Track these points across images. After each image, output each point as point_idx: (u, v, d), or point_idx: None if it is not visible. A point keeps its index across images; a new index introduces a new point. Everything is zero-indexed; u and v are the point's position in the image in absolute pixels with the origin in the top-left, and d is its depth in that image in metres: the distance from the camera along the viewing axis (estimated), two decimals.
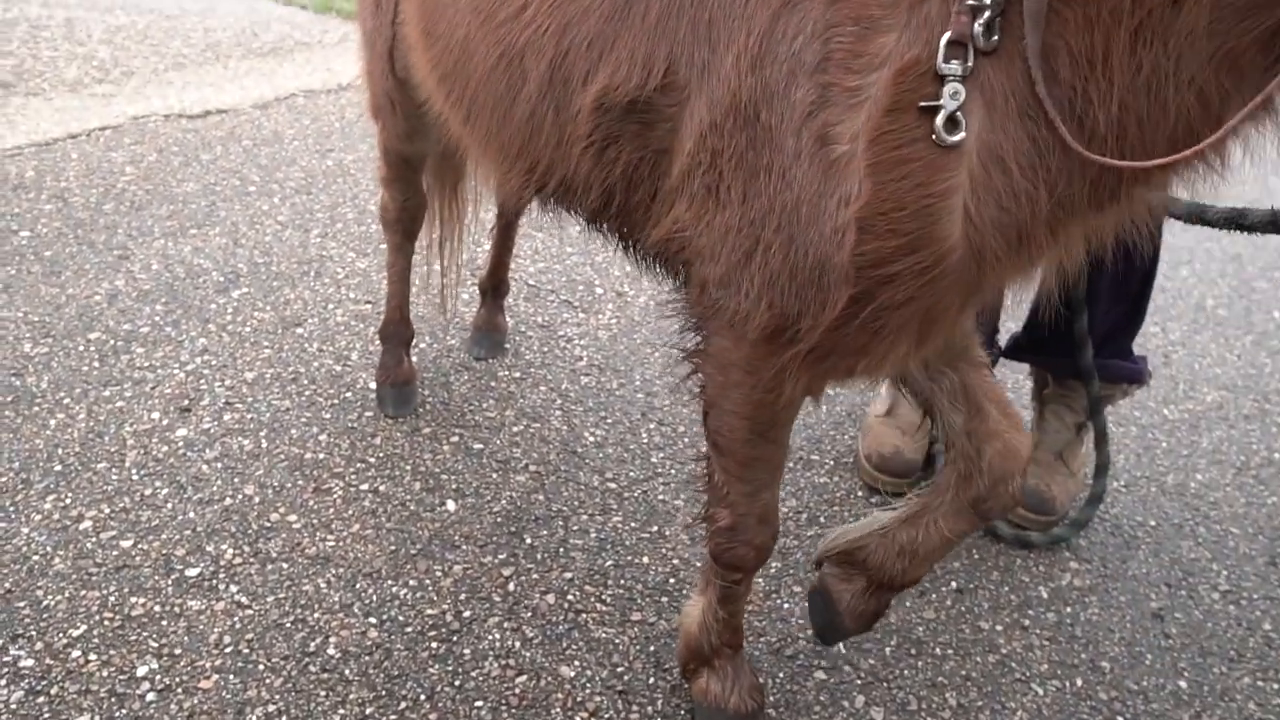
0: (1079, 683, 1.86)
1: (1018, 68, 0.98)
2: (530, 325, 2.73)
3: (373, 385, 2.36)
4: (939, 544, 1.50)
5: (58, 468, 2.00)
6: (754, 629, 1.85)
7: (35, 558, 1.79)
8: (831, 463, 2.34)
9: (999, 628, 1.96)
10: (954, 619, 1.96)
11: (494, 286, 2.56)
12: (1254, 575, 2.22)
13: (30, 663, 1.60)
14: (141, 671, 1.60)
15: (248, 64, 4.86)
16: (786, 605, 1.92)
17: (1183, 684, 1.87)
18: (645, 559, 1.97)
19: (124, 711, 1.54)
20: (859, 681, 1.79)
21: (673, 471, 2.23)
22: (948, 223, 1.03)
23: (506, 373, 2.51)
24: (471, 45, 1.46)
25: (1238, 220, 1.35)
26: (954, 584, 2.05)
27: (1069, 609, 2.02)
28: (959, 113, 0.99)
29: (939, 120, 1.00)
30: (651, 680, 1.72)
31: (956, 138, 1.00)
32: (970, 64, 0.98)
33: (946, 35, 0.98)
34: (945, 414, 1.47)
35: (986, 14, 0.97)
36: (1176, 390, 2.97)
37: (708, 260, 1.22)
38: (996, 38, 0.98)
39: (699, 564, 1.96)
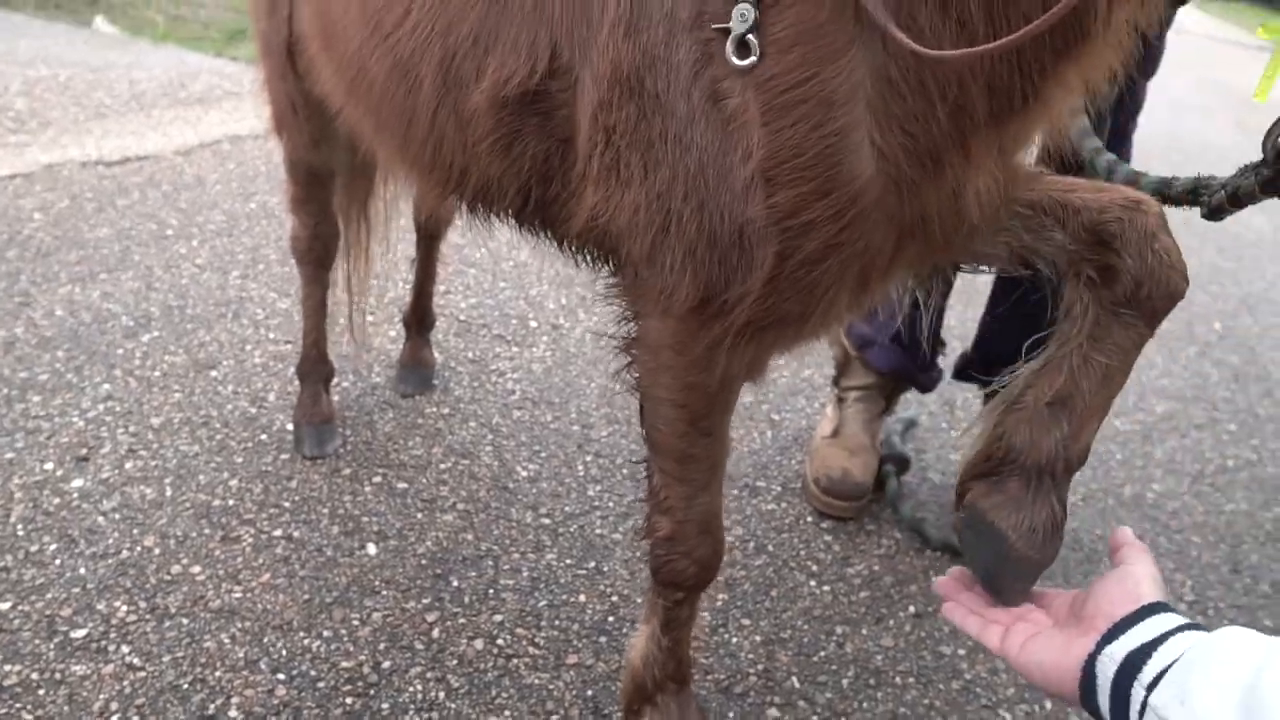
0: (1049, 705, 1.74)
1: None
2: (460, 361, 2.59)
3: (290, 427, 2.20)
4: (1101, 380, 1.13)
5: None
6: (700, 666, 1.71)
7: None
8: (779, 489, 2.22)
9: (961, 652, 1.84)
10: (914, 645, 1.84)
11: (418, 320, 2.42)
12: (1219, 584, 2.14)
13: None
14: None
15: (173, 113, 4.71)
16: (735, 640, 1.79)
17: None
18: (582, 597, 1.83)
19: None
20: (815, 717, 1.65)
21: (610, 505, 2.09)
22: (855, 160, 0.96)
23: (434, 409, 2.36)
24: (365, 57, 1.39)
25: (1162, 190, 1.25)
26: (912, 608, 1.93)
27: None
28: (750, 36, 0.95)
29: (729, 44, 0.96)
30: None
31: (746, 62, 0.95)
32: None
33: None
34: (1042, 248, 1.18)
35: None
36: (1127, 402, 2.91)
37: (628, 241, 1.13)
38: None
39: (640, 600, 1.82)
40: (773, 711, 1.65)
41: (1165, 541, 2.25)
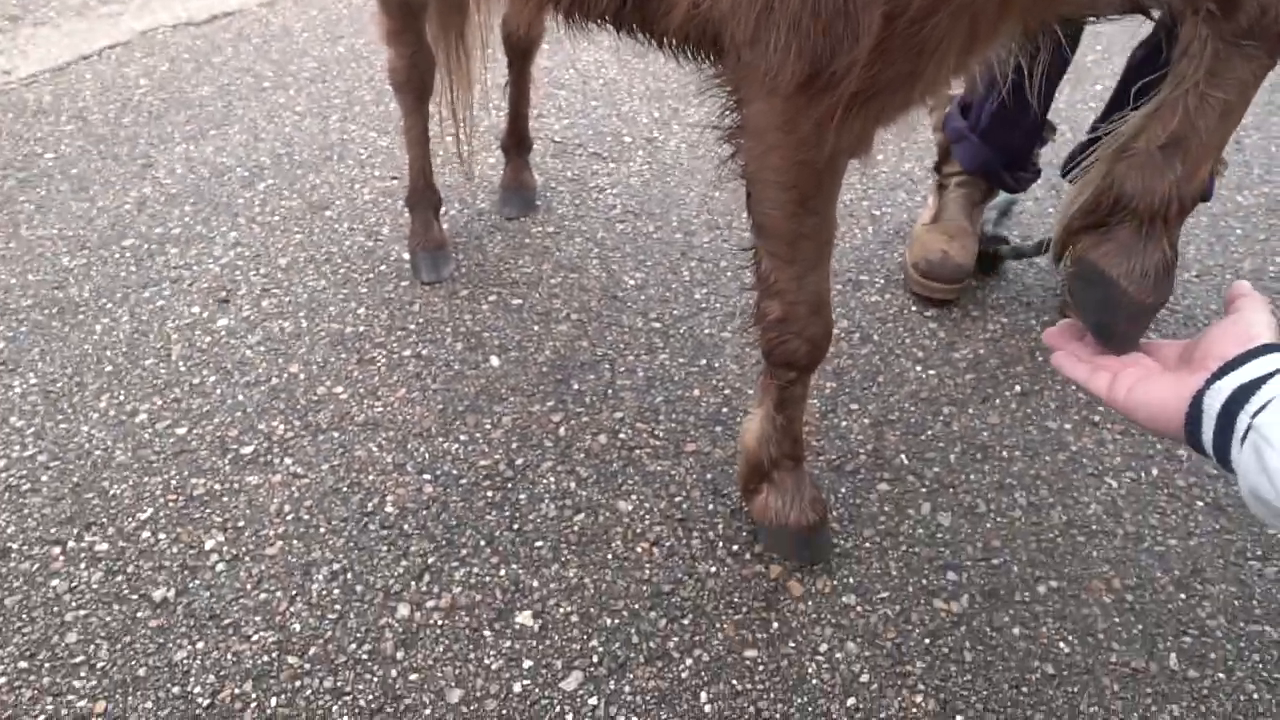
0: (1154, 472, 1.79)
1: None
2: (560, 180, 2.66)
3: (406, 256, 2.33)
4: (1219, 117, 1.12)
5: (108, 368, 2.03)
6: (813, 449, 1.81)
7: (97, 452, 1.83)
8: (882, 281, 2.26)
9: (1067, 426, 1.89)
10: (1019, 421, 1.90)
11: (516, 143, 2.48)
12: None
13: (105, 546, 1.64)
14: (209, 545, 1.64)
15: None
16: (844, 423, 1.88)
17: None
18: (696, 392, 1.94)
19: (197, 582, 1.58)
20: (924, 490, 1.75)
21: (717, 305, 2.17)
22: None
23: (540, 229, 2.45)
24: None
25: None
26: (1018, 388, 1.98)
27: None
28: None
29: None
30: (710, 507, 1.71)
31: None
32: None
33: None
34: None
35: None
36: (1251, 175, 2.79)
37: (730, 25, 1.14)
38: None
39: (751, 393, 1.92)
40: (883, 486, 1.75)
41: None
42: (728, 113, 1.30)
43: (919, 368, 2.02)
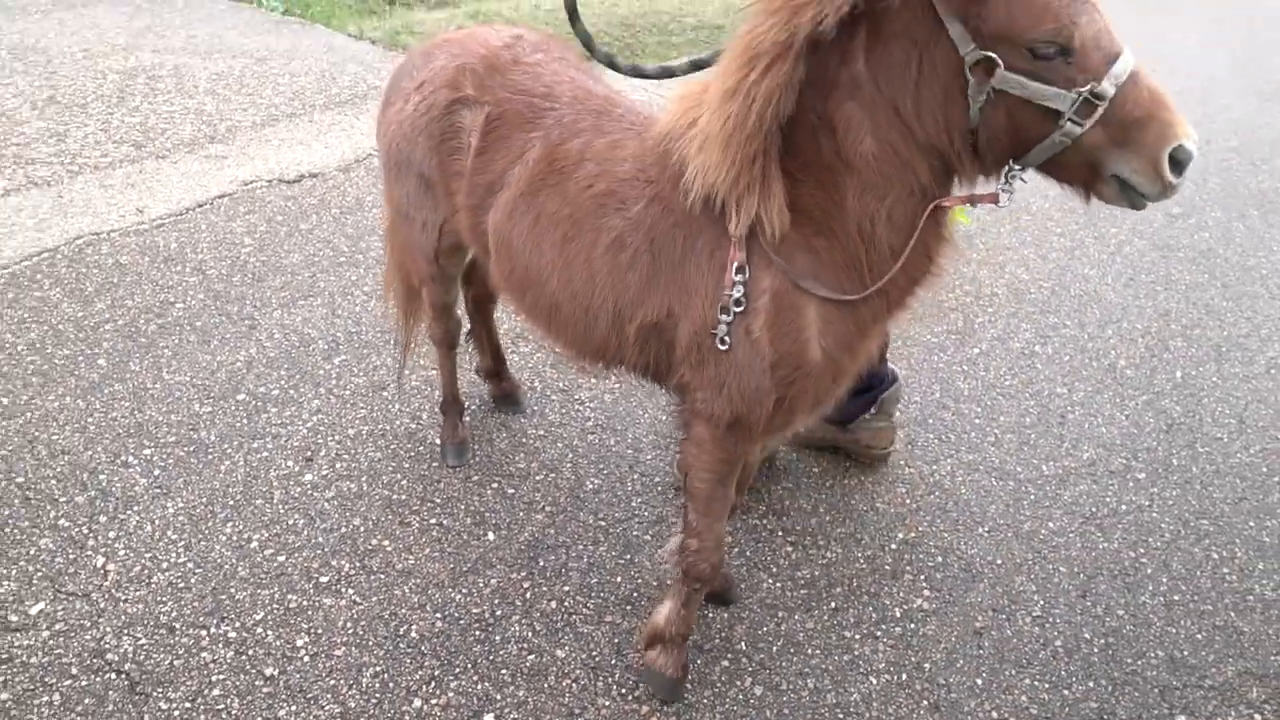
0: (904, 677, 2.91)
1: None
2: (554, 390, 3.82)
3: (437, 440, 3.47)
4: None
5: (231, 503, 3.15)
6: None
7: (226, 566, 2.94)
8: (764, 508, 3.40)
9: (858, 636, 3.01)
10: (827, 628, 3.02)
11: (497, 367, 3.63)
12: (1064, 604, 3.22)
13: (233, 634, 2.75)
14: (300, 643, 2.75)
15: (329, 116, 5.96)
16: (711, 616, 3.00)
17: (979, 681, 2.90)
18: (619, 579, 3.07)
19: (292, 667, 2.68)
20: (750, 669, 2.87)
21: (646, 513, 3.31)
22: (811, 351, 2.11)
23: (535, 430, 3.61)
24: (560, 304, 2.45)
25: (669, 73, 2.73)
26: (833, 604, 3.11)
27: (913, 625, 3.06)
28: (742, 295, 2.09)
29: (732, 300, 2.10)
30: (613, 661, 2.82)
31: (740, 308, 2.10)
32: (747, 275, 2.08)
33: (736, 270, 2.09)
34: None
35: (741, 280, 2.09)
36: (1061, 448, 3.91)
37: (698, 390, 2.29)
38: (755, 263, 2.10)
39: (656, 584, 3.04)
40: (725, 663, 2.87)
41: (1038, 569, 3.34)
42: (681, 428, 2.44)
43: (770, 579, 3.15)
